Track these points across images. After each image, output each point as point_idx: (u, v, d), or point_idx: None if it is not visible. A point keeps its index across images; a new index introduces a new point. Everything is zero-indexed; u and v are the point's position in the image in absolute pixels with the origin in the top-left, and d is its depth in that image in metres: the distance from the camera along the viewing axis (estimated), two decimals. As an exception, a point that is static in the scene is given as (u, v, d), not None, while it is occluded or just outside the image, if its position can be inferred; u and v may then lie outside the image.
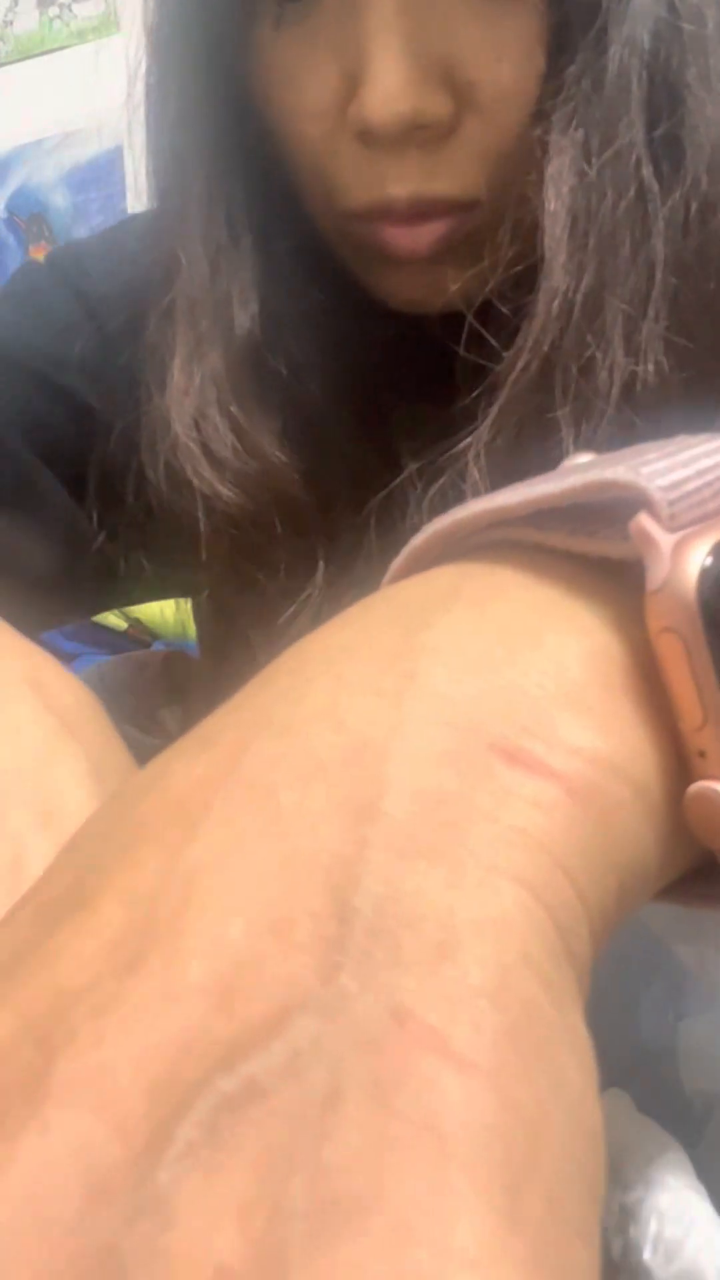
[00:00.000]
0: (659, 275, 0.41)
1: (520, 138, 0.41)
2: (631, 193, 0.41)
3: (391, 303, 0.47)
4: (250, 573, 0.47)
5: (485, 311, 0.43)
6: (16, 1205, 0.11)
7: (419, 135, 0.41)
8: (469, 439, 0.44)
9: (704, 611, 0.16)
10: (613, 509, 0.17)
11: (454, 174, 0.42)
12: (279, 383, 0.47)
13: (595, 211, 0.41)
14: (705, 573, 0.16)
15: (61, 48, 1.66)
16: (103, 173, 1.62)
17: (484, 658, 0.16)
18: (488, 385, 0.43)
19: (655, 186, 0.41)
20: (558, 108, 0.41)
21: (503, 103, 0.41)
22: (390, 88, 0.39)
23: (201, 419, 0.46)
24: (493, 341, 0.43)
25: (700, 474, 0.17)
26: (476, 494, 0.33)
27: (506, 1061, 0.13)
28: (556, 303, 0.41)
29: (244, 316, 0.46)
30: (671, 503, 0.16)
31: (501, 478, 0.17)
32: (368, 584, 0.20)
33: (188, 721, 0.17)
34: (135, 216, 0.56)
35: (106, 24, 1.62)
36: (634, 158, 0.41)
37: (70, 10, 1.65)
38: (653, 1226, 0.22)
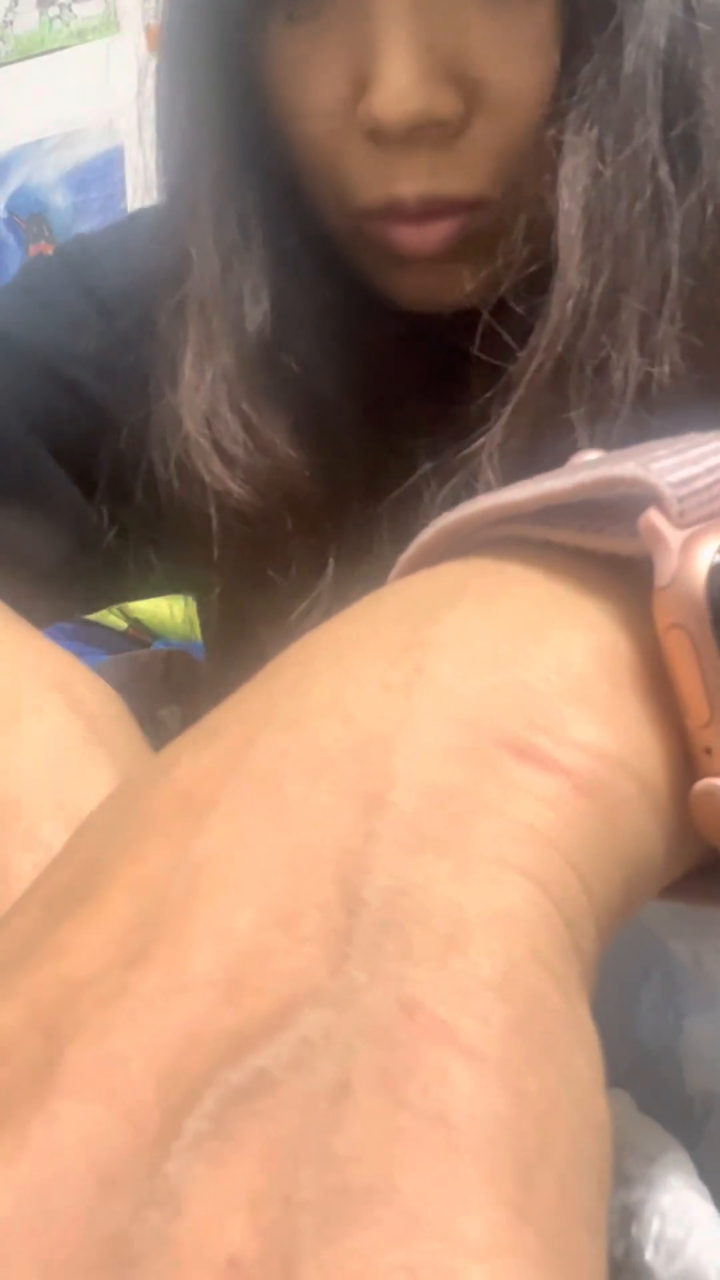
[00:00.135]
0: (675, 276, 0.41)
1: (532, 137, 0.41)
2: (647, 193, 0.41)
3: (401, 301, 0.47)
4: (261, 570, 0.47)
5: (498, 311, 0.43)
6: (26, 1195, 0.11)
7: (429, 134, 0.40)
8: (483, 439, 0.43)
9: (712, 608, 0.16)
10: (621, 505, 0.17)
11: (464, 173, 0.42)
12: (290, 380, 0.46)
13: (610, 212, 0.41)
14: (714, 570, 0.16)
15: (61, 48, 1.66)
16: (103, 173, 1.63)
17: (491, 653, 0.16)
18: (501, 385, 0.43)
19: (671, 187, 0.41)
20: (572, 107, 0.41)
21: (513, 102, 0.41)
22: (400, 86, 0.39)
23: (213, 416, 0.45)
24: (509, 340, 0.43)
25: (710, 471, 0.17)
26: None
27: (515, 1053, 0.13)
28: (571, 303, 0.41)
29: (255, 314, 0.45)
30: (681, 499, 0.16)
31: (515, 477, 0.17)
32: (378, 582, 0.19)
33: (188, 721, 0.17)
34: (143, 211, 0.56)
35: (106, 24, 1.62)
36: (650, 158, 0.41)
37: (70, 10, 1.65)
38: (655, 1226, 0.22)
